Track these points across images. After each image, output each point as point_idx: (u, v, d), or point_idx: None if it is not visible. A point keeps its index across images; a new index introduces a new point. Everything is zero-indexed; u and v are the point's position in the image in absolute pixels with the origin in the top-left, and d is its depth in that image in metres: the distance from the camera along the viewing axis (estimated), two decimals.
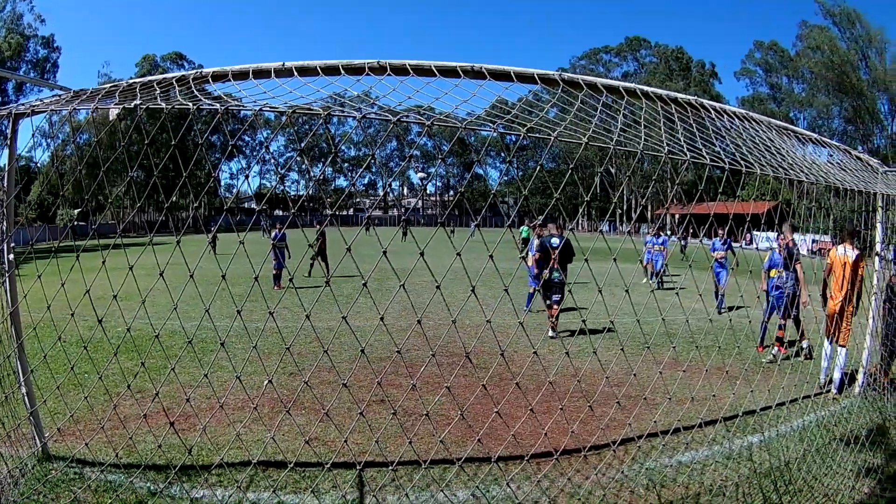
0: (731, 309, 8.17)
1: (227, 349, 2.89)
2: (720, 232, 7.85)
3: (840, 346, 5.07)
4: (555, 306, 7.11)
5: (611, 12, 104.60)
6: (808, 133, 3.70)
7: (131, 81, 3.42)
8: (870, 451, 3.93)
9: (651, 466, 3.42)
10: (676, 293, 4.63)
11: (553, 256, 7.05)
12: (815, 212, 4.75)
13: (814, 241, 17.76)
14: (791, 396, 4.37)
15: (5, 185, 3.66)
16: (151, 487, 3.17)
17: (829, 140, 3.85)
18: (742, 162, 3.12)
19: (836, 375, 5.06)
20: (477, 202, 60.23)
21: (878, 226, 4.47)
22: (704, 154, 2.99)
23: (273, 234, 12.40)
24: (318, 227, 13.43)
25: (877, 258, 4.45)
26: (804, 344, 6.24)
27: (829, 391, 5.13)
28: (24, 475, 3.30)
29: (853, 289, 5.00)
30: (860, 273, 4.98)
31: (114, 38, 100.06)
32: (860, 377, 4.74)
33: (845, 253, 5.11)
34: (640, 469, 3.37)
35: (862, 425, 4.28)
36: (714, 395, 3.98)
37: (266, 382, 3.84)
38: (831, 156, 4.08)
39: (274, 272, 12.00)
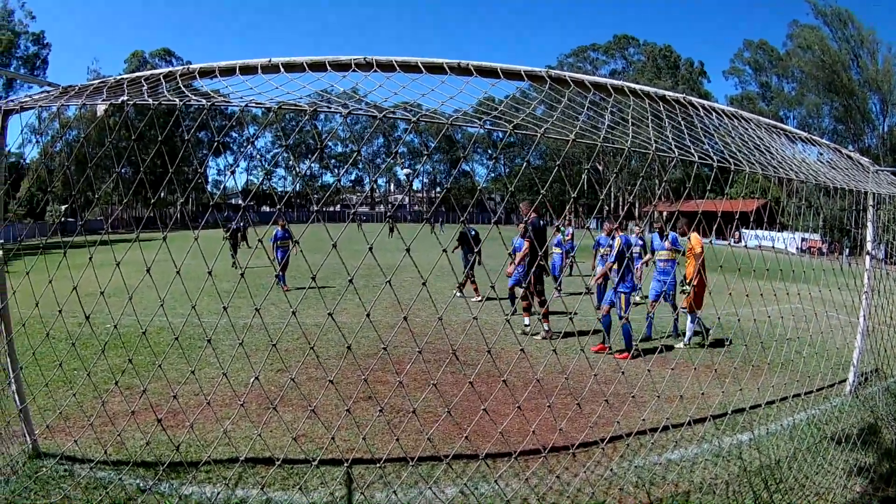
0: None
1: (213, 346, 2.87)
2: (659, 227, 7.54)
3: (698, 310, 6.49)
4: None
5: (599, 11, 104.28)
6: (797, 131, 3.70)
7: (119, 78, 3.42)
8: (861, 450, 3.92)
9: (640, 464, 3.40)
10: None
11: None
12: (804, 210, 4.78)
13: (803, 239, 17.62)
14: (781, 395, 4.36)
15: None
16: (140, 484, 3.16)
17: (818, 138, 3.84)
18: (730, 160, 3.11)
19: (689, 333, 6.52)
20: (464, 199, 60.10)
21: (869, 225, 4.46)
22: (693, 151, 2.98)
23: (275, 232, 11.79)
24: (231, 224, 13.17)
25: (867, 257, 4.45)
26: (546, 326, 6.95)
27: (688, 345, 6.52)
28: (14, 472, 3.29)
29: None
30: None
31: (103, 34, 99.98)
32: (851, 376, 4.74)
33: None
34: (629, 467, 3.35)
35: (853, 424, 4.28)
36: (703, 393, 3.97)
37: (252, 379, 3.83)
38: (821, 154, 4.08)
39: (278, 273, 11.48)
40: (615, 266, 6.33)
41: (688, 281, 6.58)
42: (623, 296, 6.16)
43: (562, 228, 12.33)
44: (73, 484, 3.20)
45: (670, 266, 6.82)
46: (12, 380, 3.44)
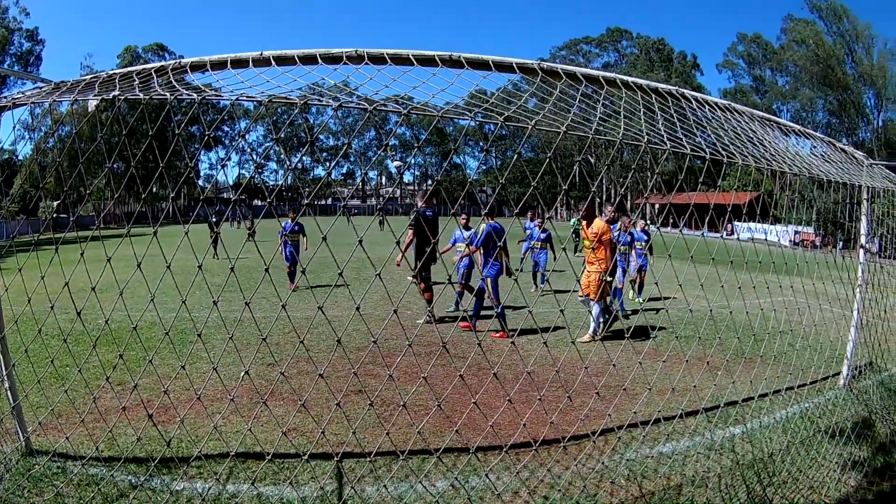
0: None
1: (204, 340, 2.86)
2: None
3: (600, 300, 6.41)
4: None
5: (593, 3, 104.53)
6: (791, 124, 3.69)
7: (111, 73, 3.40)
8: (855, 443, 3.92)
9: (631, 457, 3.40)
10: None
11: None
12: (797, 203, 4.78)
13: (796, 232, 17.69)
14: (774, 388, 4.36)
15: None
16: (132, 480, 3.15)
17: (812, 132, 3.84)
18: (723, 152, 3.11)
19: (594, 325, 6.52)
20: (455, 191, 60.07)
21: (863, 218, 4.47)
22: (685, 144, 2.98)
23: (284, 224, 10.58)
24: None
25: (861, 251, 4.45)
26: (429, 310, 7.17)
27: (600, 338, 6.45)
28: (8, 471, 3.27)
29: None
30: None
31: (97, 29, 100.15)
32: (844, 370, 4.74)
33: None
34: (621, 460, 3.35)
35: (847, 418, 4.28)
36: (695, 386, 3.97)
37: (243, 373, 3.82)
38: (815, 148, 4.08)
39: (288, 269, 10.54)
40: (481, 251, 6.72)
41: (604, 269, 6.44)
42: (489, 280, 6.65)
43: (524, 223, 12.67)
44: (65, 481, 3.18)
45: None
46: (5, 377, 3.42)
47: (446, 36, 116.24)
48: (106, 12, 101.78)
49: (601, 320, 6.59)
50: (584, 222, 6.66)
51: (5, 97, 3.70)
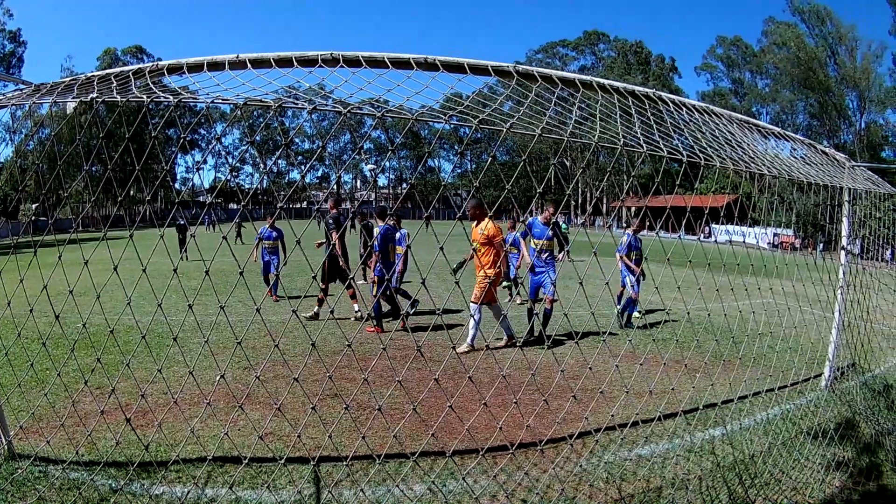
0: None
1: (181, 344, 2.85)
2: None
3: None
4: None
5: (570, 7, 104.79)
6: (770, 127, 3.70)
7: (90, 75, 3.40)
8: (839, 444, 3.92)
9: (610, 460, 3.40)
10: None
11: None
12: (776, 205, 4.79)
13: (775, 234, 17.64)
14: (753, 390, 4.37)
15: None
16: (112, 485, 3.14)
17: (792, 134, 3.84)
18: (700, 155, 3.11)
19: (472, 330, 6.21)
20: (429, 195, 60.00)
21: (845, 220, 4.48)
22: (661, 147, 2.98)
23: (261, 230, 10.00)
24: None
25: (842, 252, 4.46)
26: (356, 307, 7.41)
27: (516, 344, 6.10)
28: None
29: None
30: None
31: (77, 31, 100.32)
32: (826, 371, 4.75)
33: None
34: (599, 463, 3.35)
35: (830, 419, 4.29)
36: (673, 389, 3.97)
37: (218, 377, 3.81)
38: (794, 150, 4.08)
39: (264, 276, 9.94)
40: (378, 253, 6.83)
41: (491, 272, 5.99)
42: (377, 278, 6.77)
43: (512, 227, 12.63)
44: (47, 485, 3.17)
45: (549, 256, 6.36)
46: None
47: (422, 39, 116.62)
48: (87, 14, 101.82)
49: (476, 329, 6.18)
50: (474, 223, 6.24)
51: None
